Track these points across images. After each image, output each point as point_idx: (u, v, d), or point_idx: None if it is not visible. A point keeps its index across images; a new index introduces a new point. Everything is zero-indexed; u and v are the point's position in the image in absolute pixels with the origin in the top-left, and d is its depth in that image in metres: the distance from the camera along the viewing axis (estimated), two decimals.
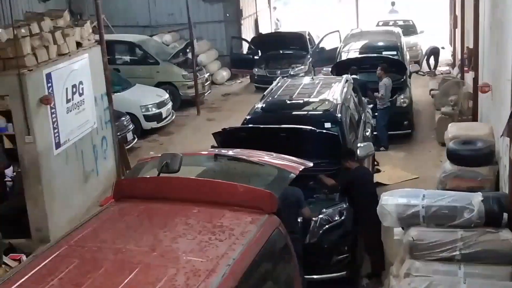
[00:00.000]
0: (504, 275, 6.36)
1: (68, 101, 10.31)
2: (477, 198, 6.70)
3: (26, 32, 9.74)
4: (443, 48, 21.69)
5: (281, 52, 21.30)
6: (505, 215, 6.72)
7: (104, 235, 4.93)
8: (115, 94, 13.61)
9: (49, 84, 9.70)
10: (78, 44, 11.01)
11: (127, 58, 19.08)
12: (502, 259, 6.45)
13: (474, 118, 12.78)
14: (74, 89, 10.55)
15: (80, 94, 10.74)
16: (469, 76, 14.03)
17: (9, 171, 10.56)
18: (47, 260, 4.54)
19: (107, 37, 13.63)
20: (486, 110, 11.39)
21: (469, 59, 14.31)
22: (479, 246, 6.46)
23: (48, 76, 9.69)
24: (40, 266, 4.47)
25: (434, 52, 20.78)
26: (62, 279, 4.25)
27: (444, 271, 6.49)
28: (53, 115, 9.79)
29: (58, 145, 9.95)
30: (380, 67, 13.53)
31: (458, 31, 18.50)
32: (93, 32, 11.87)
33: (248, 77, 21.74)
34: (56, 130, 9.87)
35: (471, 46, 13.51)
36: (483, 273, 6.39)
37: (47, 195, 9.61)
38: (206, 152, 7.27)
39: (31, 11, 14.13)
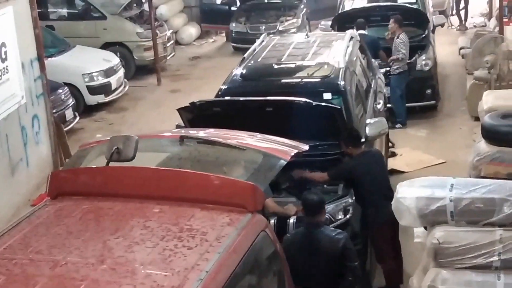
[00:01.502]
0: None
1: None
2: None
3: None
4: None
5: (266, 1, 21.28)
6: None
7: (37, 243, 4.92)
8: (49, 59, 13.53)
9: None
10: None
11: (64, 11, 18.98)
12: None
13: None
14: None
15: (3, 60, 10.66)
16: (509, 30, 14.10)
17: None
18: None
19: None
20: None
21: (510, 8, 14.41)
22: None
23: None
24: None
25: None
26: None
27: (478, 282, 6.56)
28: None
29: None
30: (393, 19, 13.57)
31: None
32: None
33: (224, 34, 21.66)
34: None
35: None
36: None
37: None
38: (170, 134, 7.28)
39: None
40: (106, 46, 17.86)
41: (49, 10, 18.44)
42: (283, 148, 6.55)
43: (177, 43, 20.99)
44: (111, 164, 5.83)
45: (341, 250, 6.58)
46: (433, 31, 15.61)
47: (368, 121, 9.39)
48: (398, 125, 13.15)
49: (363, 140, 8.58)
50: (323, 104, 8.66)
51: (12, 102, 10.94)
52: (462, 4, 20.97)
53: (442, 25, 17.86)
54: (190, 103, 8.78)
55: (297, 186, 8.33)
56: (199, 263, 4.62)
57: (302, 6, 20.82)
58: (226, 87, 9.65)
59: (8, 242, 4.95)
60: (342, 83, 9.33)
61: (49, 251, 4.81)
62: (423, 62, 13.97)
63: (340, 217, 7.98)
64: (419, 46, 14.05)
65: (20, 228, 5.16)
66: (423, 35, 14.46)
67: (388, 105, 12.36)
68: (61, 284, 4.38)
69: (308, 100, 8.41)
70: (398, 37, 13.42)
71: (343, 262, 6.55)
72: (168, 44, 19.24)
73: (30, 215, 5.42)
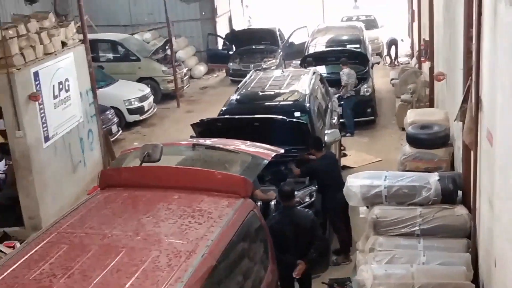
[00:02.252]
0: (460, 247, 6.46)
1: (55, 97, 10.19)
2: (434, 177, 6.77)
3: (14, 33, 9.58)
4: (402, 40, 21.80)
5: (253, 47, 21.25)
6: (460, 192, 6.83)
7: (91, 221, 4.91)
8: (100, 89, 13.47)
9: (37, 82, 9.57)
10: (63, 44, 10.86)
11: (110, 55, 18.88)
12: (457, 232, 6.55)
13: (431, 105, 12.93)
14: (61, 86, 10.42)
15: (67, 91, 10.61)
16: (425, 66, 14.16)
17: (1, 164, 10.44)
18: (38, 247, 4.53)
19: (91, 36, 13.47)
20: (441, 96, 11.51)
21: (426, 50, 14.45)
22: (436, 222, 6.54)
23: (36, 74, 9.57)
24: (32, 252, 4.45)
25: (393, 43, 20.90)
26: (52, 264, 4.24)
27: (405, 245, 6.55)
28: (41, 111, 9.67)
29: (47, 138, 9.84)
30: (341, 61, 13.64)
31: (415, 24, 18.65)
32: (77, 32, 11.70)
33: (224, 71, 21.65)
34: (44, 125, 9.75)
35: (427, 38, 13.63)
36: (440, 246, 6.47)
37: (38, 185, 9.51)
38: (185, 142, 7.26)
39: (18, 13, 13.90)
40: (140, 80, 17.77)
41: (99, 54, 18.37)
42: (266, 151, 6.56)
43: (191, 77, 20.90)
44: (144, 164, 5.81)
45: (311, 222, 6.55)
46: (372, 67, 15.63)
47: (326, 131, 9.39)
48: (348, 134, 13.13)
49: (324, 145, 8.58)
50: (294, 120, 8.68)
51: (73, 121, 10.89)
52: (392, 48, 21.02)
53: (378, 63, 17.91)
54: (200, 120, 8.78)
55: (276, 178, 8.33)
56: (207, 234, 4.62)
57: (279, 51, 20.81)
58: (225, 108, 9.64)
59: (70, 221, 4.95)
60: (307, 105, 9.34)
61: (99, 227, 4.81)
62: (365, 89, 13.94)
63: (307, 200, 7.98)
64: (362, 78, 14.03)
65: (78, 211, 5.16)
66: (365, 70, 14.44)
67: (341, 120, 12.36)
68: (108, 250, 4.38)
69: (283, 117, 8.45)
70: (342, 71, 13.48)
71: (312, 232, 6.50)
72: (184, 78, 19.17)
73: (85, 201, 5.41)
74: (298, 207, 7.51)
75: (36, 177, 9.46)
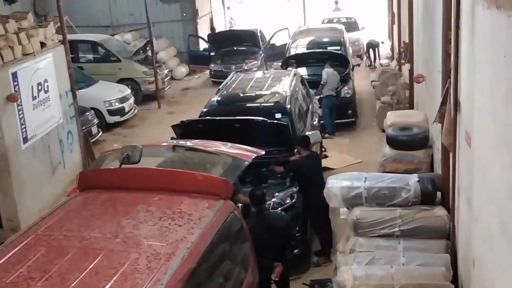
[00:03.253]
0: (439, 248, 6.51)
1: (34, 98, 10.08)
2: (413, 179, 6.82)
3: None
4: (382, 42, 21.92)
5: (235, 48, 21.21)
6: (439, 194, 6.88)
7: (69, 223, 4.86)
8: (80, 90, 13.34)
9: (15, 83, 9.46)
10: (42, 44, 10.74)
11: (90, 56, 18.72)
12: (437, 233, 6.60)
13: (411, 106, 13.02)
14: (40, 87, 10.31)
15: (46, 91, 10.50)
16: (405, 68, 14.24)
17: None
18: (16, 249, 4.47)
19: (71, 37, 13.35)
20: (421, 98, 11.59)
21: (406, 53, 14.55)
22: (416, 223, 6.58)
23: (14, 75, 9.46)
24: (9, 255, 4.39)
25: (372, 45, 21.00)
26: (30, 267, 4.19)
27: (385, 246, 6.59)
28: (20, 112, 9.56)
29: (25, 139, 9.72)
30: (327, 62, 13.65)
31: (395, 27, 18.77)
32: (56, 33, 11.59)
33: (206, 72, 21.58)
34: (23, 126, 9.64)
35: (407, 41, 13.72)
36: (420, 247, 6.52)
37: (17, 187, 9.40)
38: (166, 144, 7.21)
39: None
40: (121, 81, 17.65)
41: (80, 55, 18.21)
42: (247, 153, 6.53)
43: (172, 78, 20.79)
44: (123, 166, 5.76)
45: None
46: (353, 69, 15.67)
47: (307, 133, 9.39)
48: (326, 135, 13.07)
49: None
50: (275, 121, 8.67)
51: (52, 122, 10.78)
52: (370, 50, 21.12)
53: (358, 65, 18.00)
54: (180, 121, 8.73)
55: (256, 179, 8.31)
56: (187, 236, 4.59)
57: (261, 52, 20.80)
58: (206, 109, 9.60)
59: (48, 223, 4.89)
60: (288, 106, 9.34)
61: (78, 229, 4.76)
62: (346, 91, 13.95)
63: (288, 201, 7.98)
64: (343, 80, 14.03)
65: (57, 213, 5.10)
66: (346, 72, 14.43)
67: (321, 122, 12.37)
68: (87, 253, 4.33)
69: (264, 119, 8.43)
70: (325, 69, 13.49)
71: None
72: (165, 79, 19.07)
73: (64, 203, 5.35)
74: (277, 209, 7.54)
75: (14, 178, 9.35)
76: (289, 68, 12.97)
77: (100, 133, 14.47)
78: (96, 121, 14.30)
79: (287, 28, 21.04)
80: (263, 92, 10.15)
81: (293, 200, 8.00)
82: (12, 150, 9.34)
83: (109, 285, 3.91)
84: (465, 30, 5.32)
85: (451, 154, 6.14)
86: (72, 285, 3.92)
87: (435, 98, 8.18)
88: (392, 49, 20.76)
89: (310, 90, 12.12)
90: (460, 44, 5.58)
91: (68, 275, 4.03)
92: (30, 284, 3.97)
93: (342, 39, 16.60)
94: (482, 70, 4.53)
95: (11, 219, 9.38)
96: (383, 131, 11.86)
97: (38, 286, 3.94)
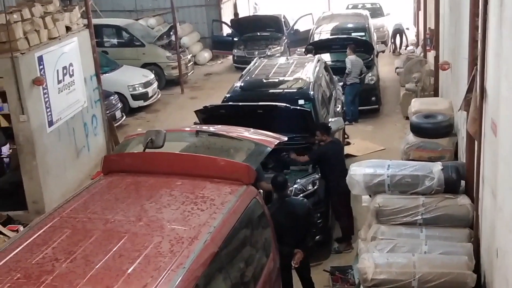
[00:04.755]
0: (461, 237, 6.45)
1: (59, 82, 10.19)
2: (437, 167, 6.75)
3: (18, 18, 9.56)
4: (407, 29, 21.67)
5: (258, 34, 21.17)
6: (463, 182, 6.81)
7: (94, 206, 4.91)
8: (104, 74, 13.46)
9: (41, 66, 9.57)
10: (68, 28, 10.84)
11: (114, 41, 18.85)
12: (460, 222, 6.54)
13: (435, 94, 12.88)
14: (65, 71, 10.41)
15: (71, 75, 10.61)
16: (431, 55, 14.09)
17: (5, 148, 10.44)
18: (41, 231, 4.53)
19: (95, 21, 13.44)
20: (446, 86, 11.46)
21: (431, 39, 14.38)
22: (439, 211, 6.52)
23: (40, 58, 9.56)
24: (35, 236, 4.46)
25: (398, 31, 20.78)
26: (55, 248, 4.25)
27: (407, 234, 6.54)
28: (45, 95, 9.67)
29: (50, 123, 9.85)
30: (349, 47, 13.54)
31: (421, 13, 18.55)
32: (81, 17, 11.69)
33: (230, 57, 21.57)
34: (48, 109, 9.76)
35: (433, 27, 13.55)
36: (442, 235, 6.46)
37: (42, 170, 9.54)
38: (189, 129, 7.25)
39: None
40: (144, 65, 17.75)
41: (104, 39, 18.34)
42: (269, 139, 6.53)
43: (195, 63, 20.86)
44: (147, 150, 5.81)
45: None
46: (377, 56, 15.55)
47: (330, 119, 9.37)
48: (346, 122, 12.92)
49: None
50: (298, 107, 8.65)
51: (77, 105, 10.90)
52: (397, 36, 20.90)
53: (383, 51, 17.81)
54: (203, 107, 8.74)
55: (279, 165, 8.32)
56: (209, 220, 4.62)
57: (284, 38, 20.73)
58: (229, 95, 9.61)
59: (73, 206, 4.95)
60: (311, 92, 9.31)
61: (102, 212, 4.82)
62: (370, 78, 13.87)
63: (310, 187, 7.98)
64: (367, 66, 13.93)
65: (81, 195, 5.16)
66: (370, 59, 14.35)
67: (345, 108, 12.31)
68: (111, 236, 4.38)
69: (287, 105, 8.40)
70: (348, 58, 13.39)
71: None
72: (189, 64, 19.14)
73: (89, 186, 5.42)
74: (299, 196, 7.54)
75: (39, 161, 9.48)
76: (309, 55, 12.90)
77: (124, 117, 14.60)
78: (120, 105, 14.43)
79: (311, 14, 20.93)
80: (286, 78, 10.12)
81: (315, 187, 8.00)
82: (38, 133, 9.47)
83: (132, 267, 3.96)
84: (493, 17, 5.24)
85: (476, 142, 6.07)
86: (96, 267, 3.97)
87: (461, 86, 8.08)
88: (417, 35, 20.52)
89: (334, 76, 12.06)
90: (487, 31, 5.49)
91: (92, 257, 4.09)
92: (55, 265, 4.04)
93: (366, 25, 16.49)
94: (509, 58, 4.46)
95: (36, 201, 9.53)
96: (407, 118, 11.76)
97: (62, 268, 4.00)
